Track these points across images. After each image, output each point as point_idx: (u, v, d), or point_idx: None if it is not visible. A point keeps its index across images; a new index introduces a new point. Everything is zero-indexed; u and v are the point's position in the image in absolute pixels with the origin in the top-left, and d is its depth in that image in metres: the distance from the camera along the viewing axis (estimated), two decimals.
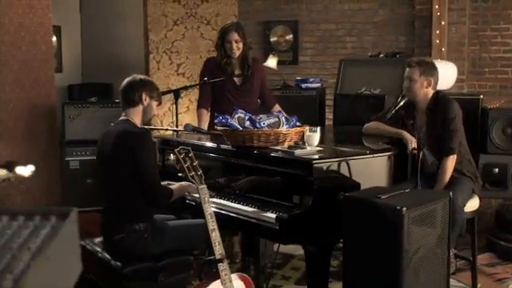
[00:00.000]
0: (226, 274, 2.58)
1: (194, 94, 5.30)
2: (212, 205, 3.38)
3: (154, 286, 3.18)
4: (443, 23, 6.20)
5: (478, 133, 5.03)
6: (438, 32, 6.22)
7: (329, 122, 5.90)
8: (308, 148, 3.32)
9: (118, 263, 3.18)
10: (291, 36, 7.05)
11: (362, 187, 3.22)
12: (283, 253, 4.54)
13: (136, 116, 3.34)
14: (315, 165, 3.05)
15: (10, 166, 2.83)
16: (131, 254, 3.19)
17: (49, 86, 5.13)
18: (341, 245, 3.15)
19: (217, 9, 5.77)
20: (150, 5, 5.56)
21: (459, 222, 3.85)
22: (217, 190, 3.52)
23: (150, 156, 3.18)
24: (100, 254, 3.32)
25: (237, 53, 4.34)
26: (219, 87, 4.38)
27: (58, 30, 6.53)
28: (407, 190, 3.10)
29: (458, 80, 6.20)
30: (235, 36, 4.31)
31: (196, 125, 4.09)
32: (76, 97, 6.33)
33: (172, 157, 2.61)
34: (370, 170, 3.31)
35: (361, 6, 6.77)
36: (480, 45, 6.26)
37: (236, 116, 3.58)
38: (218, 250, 2.59)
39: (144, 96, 3.33)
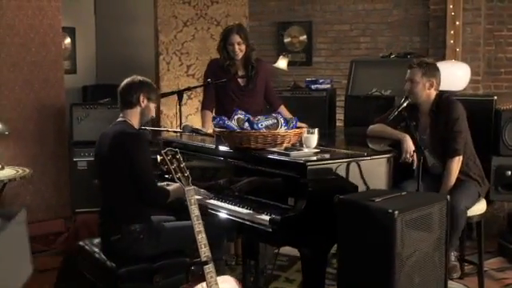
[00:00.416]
0: (211, 277, 2.56)
1: None
2: (209, 206, 3.41)
3: (149, 287, 3.17)
4: (458, 23, 6.09)
5: (491, 135, 4.93)
6: (452, 32, 6.12)
7: (340, 124, 5.85)
8: (305, 150, 3.28)
9: (113, 264, 3.18)
10: (305, 37, 7.01)
11: (360, 190, 3.18)
12: (289, 255, 4.51)
13: (133, 117, 3.34)
14: (309, 167, 3.01)
15: None
16: (127, 254, 3.19)
17: (58, 87, 5.19)
18: None
19: (227, 10, 5.76)
20: (159, 6, 5.57)
21: (461, 226, 3.79)
22: (215, 192, 3.52)
23: (146, 157, 3.18)
24: (97, 255, 3.32)
25: (239, 55, 4.32)
26: (223, 88, 4.37)
27: (72, 32, 6.61)
28: (403, 193, 3.05)
29: (474, 81, 6.11)
30: (237, 38, 4.29)
31: (199, 126, 4.09)
32: (90, 98, 6.39)
33: (159, 158, 2.59)
34: (369, 172, 3.25)
35: (375, 7, 6.70)
36: (496, 45, 6.14)
37: (235, 117, 3.56)
38: (204, 252, 2.58)
39: (142, 98, 3.33)
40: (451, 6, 6.09)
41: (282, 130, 3.42)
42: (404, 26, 6.59)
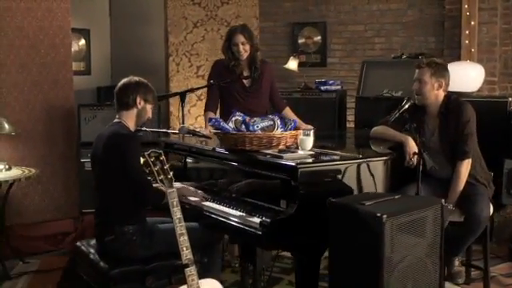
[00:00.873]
0: (192, 280, 2.54)
1: None
2: (204, 208, 3.39)
3: None
4: (473, 23, 5.99)
5: (504, 137, 4.83)
6: (467, 32, 6.02)
7: (351, 125, 5.79)
8: (300, 152, 3.24)
9: (106, 265, 3.18)
10: (319, 38, 6.97)
11: (356, 193, 3.13)
12: (292, 257, 4.46)
13: (129, 119, 3.33)
14: (301, 169, 2.96)
15: None
16: (120, 256, 3.19)
17: (67, 88, 5.23)
18: None
19: (237, 11, 5.75)
20: (170, 7, 5.58)
21: (479, 232, 3.72)
22: (213, 194, 3.50)
23: (140, 158, 3.16)
24: (92, 256, 3.33)
25: (244, 55, 4.29)
26: (228, 89, 4.34)
27: (86, 33, 6.67)
28: (397, 197, 2.99)
29: (490, 82, 6.01)
30: (241, 38, 4.26)
31: (199, 127, 4.08)
32: (103, 99, 6.42)
33: (142, 160, 2.57)
34: (365, 175, 3.19)
35: (389, 7, 6.64)
36: None
37: (233, 119, 3.54)
38: (186, 255, 2.56)
39: (138, 99, 3.32)
40: (466, 6, 5.99)
41: (278, 131, 3.39)
42: (419, 26, 6.51)
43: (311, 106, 5.52)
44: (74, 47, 6.64)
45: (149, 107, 3.39)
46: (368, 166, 3.21)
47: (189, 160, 3.89)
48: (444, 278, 3.85)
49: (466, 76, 5.55)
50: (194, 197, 3.49)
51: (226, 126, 3.42)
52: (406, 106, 3.75)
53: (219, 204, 3.36)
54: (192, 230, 3.38)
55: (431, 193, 3.86)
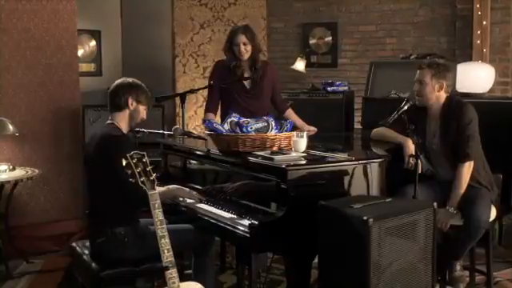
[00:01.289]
0: (173, 282, 2.52)
1: None
2: (198, 210, 3.38)
3: None
4: (485, 23, 5.89)
5: None
6: (479, 32, 5.92)
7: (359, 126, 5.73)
8: (293, 154, 3.20)
9: (98, 266, 3.18)
10: (330, 38, 6.91)
11: (348, 196, 3.08)
12: None
13: (122, 120, 3.33)
14: (290, 172, 2.93)
15: None
16: (111, 257, 3.18)
17: (73, 89, 5.26)
18: None
19: (244, 11, 5.72)
20: (176, 8, 5.58)
21: (479, 236, 3.64)
22: (208, 195, 3.48)
23: None
24: (85, 257, 3.33)
25: (245, 55, 4.26)
26: (228, 90, 4.32)
27: (97, 35, 6.69)
28: (388, 200, 2.94)
29: (502, 83, 5.91)
30: (243, 38, 4.23)
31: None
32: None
33: (124, 162, 2.56)
34: (358, 177, 3.14)
35: (401, 7, 6.56)
36: None
37: (229, 120, 3.52)
38: (167, 257, 2.54)
39: (130, 101, 3.32)
40: (478, 5, 5.89)
41: (272, 133, 3.36)
42: (430, 26, 6.42)
43: (318, 108, 5.48)
44: (85, 48, 6.68)
45: (142, 108, 3.38)
46: (362, 168, 3.16)
47: (188, 162, 3.88)
48: (445, 283, 3.83)
49: (476, 77, 5.46)
50: (190, 198, 3.47)
51: (219, 127, 3.40)
52: (405, 108, 3.68)
53: (212, 206, 3.35)
54: (185, 231, 3.40)
55: (432, 195, 3.80)
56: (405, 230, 2.78)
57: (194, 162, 3.82)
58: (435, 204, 2.90)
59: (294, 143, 3.28)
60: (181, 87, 5.64)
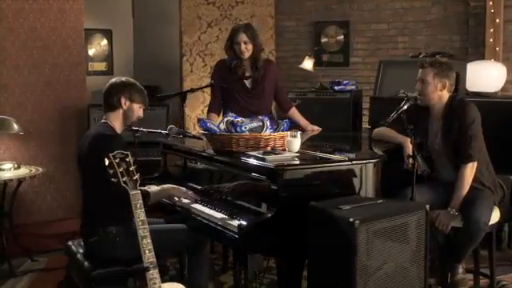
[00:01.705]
0: (154, 283, 2.49)
1: None
2: (192, 210, 3.35)
3: None
4: (498, 21, 5.78)
5: None
6: (491, 30, 5.80)
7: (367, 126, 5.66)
8: (286, 154, 3.16)
9: (90, 265, 3.17)
10: (342, 37, 6.84)
11: (342, 197, 3.03)
12: None
13: (115, 120, 3.31)
14: (280, 172, 2.89)
15: None
16: (103, 257, 3.17)
17: (80, 88, 5.28)
18: None
19: (252, 10, 5.69)
20: (184, 7, 5.56)
21: (479, 240, 3.57)
22: (202, 195, 3.46)
23: None
24: (79, 256, 3.33)
25: (246, 54, 4.23)
26: (229, 90, 4.28)
27: (108, 34, 6.73)
28: (379, 201, 2.89)
29: None
30: (244, 37, 4.19)
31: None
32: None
33: (106, 161, 2.54)
34: (352, 178, 3.09)
35: (413, 4, 6.48)
36: None
37: (225, 119, 3.49)
38: (148, 258, 2.52)
39: (123, 100, 3.30)
40: (491, 3, 5.78)
41: (266, 132, 3.32)
42: (443, 24, 6.32)
43: (325, 107, 5.42)
44: (97, 48, 6.73)
45: (136, 107, 3.36)
46: (356, 168, 3.11)
47: (187, 161, 3.86)
48: (447, 286, 3.75)
49: (488, 76, 5.36)
50: (185, 197, 3.45)
51: (212, 126, 3.37)
52: (405, 107, 3.61)
53: (205, 206, 3.32)
54: (179, 231, 3.37)
55: (434, 197, 3.74)
56: (395, 232, 2.73)
57: (192, 161, 3.79)
58: (427, 206, 2.84)
59: (288, 143, 3.24)
60: (188, 86, 5.63)
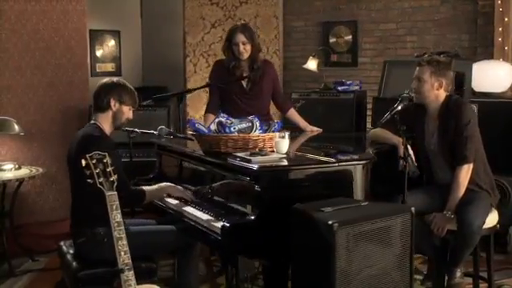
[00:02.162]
0: (129, 285, 2.48)
1: None
2: (183, 213, 3.33)
3: None
4: (507, 20, 5.67)
5: None
6: (500, 30, 5.70)
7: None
8: (273, 155, 3.13)
9: (78, 266, 3.18)
10: (350, 37, 6.78)
11: (329, 199, 2.98)
12: None
13: (104, 121, 3.31)
14: (263, 173, 2.86)
15: None
16: (91, 257, 3.17)
17: (83, 90, 5.30)
18: None
19: (256, 10, 5.65)
20: (187, 8, 5.55)
21: (475, 243, 3.50)
22: (196, 196, 3.45)
23: (113, 159, 3.12)
24: (69, 256, 3.34)
25: (244, 55, 4.20)
26: (227, 91, 4.26)
27: (117, 35, 6.76)
28: (364, 203, 2.83)
29: None
30: (242, 38, 4.17)
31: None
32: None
33: (83, 162, 2.54)
34: (340, 179, 3.04)
35: (421, 4, 6.39)
36: None
37: (216, 120, 3.47)
38: (123, 259, 2.50)
39: (113, 102, 3.29)
40: (499, 2, 5.67)
41: (255, 133, 3.29)
42: (452, 23, 6.22)
43: (329, 107, 5.37)
44: (105, 48, 6.75)
45: (126, 108, 3.35)
46: (344, 170, 3.06)
47: (181, 162, 3.85)
48: None
49: (494, 75, 5.26)
50: (182, 196, 3.44)
51: (201, 127, 3.36)
52: (399, 108, 3.55)
53: (193, 207, 3.31)
54: (167, 232, 3.36)
55: (428, 201, 3.69)
56: (378, 235, 2.67)
57: (185, 162, 3.78)
58: (413, 209, 2.78)
59: (276, 144, 3.21)
60: (191, 87, 5.60)
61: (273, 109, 4.50)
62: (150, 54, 7.03)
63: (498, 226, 4.74)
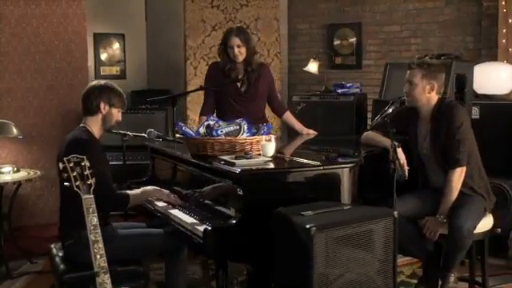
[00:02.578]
0: None
1: None
2: (170, 216, 3.33)
3: None
4: (510, 21, 5.59)
5: None
6: (504, 31, 5.62)
7: None
8: (259, 158, 3.11)
9: (65, 268, 3.19)
10: (354, 39, 6.74)
11: (314, 202, 2.95)
12: None
13: (94, 124, 3.32)
14: (245, 177, 2.84)
15: None
16: (78, 260, 3.16)
17: None
18: None
19: (257, 13, 5.64)
20: (188, 11, 5.55)
21: (466, 248, 3.45)
22: (183, 199, 3.44)
23: (96, 163, 3.11)
24: (57, 259, 3.35)
25: (240, 58, 4.19)
26: (222, 93, 4.26)
27: (121, 38, 6.79)
28: (347, 207, 2.80)
29: None
30: (237, 41, 4.16)
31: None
32: (137, 103, 6.48)
33: (60, 166, 2.54)
34: (326, 183, 3.01)
35: (426, 5, 6.34)
36: None
37: (205, 123, 3.46)
38: (99, 263, 2.50)
39: (102, 105, 3.30)
40: (503, 3, 5.60)
41: (242, 136, 3.28)
42: (456, 25, 6.16)
43: (329, 110, 5.35)
44: (109, 52, 6.78)
45: (115, 111, 3.36)
46: (329, 173, 3.03)
47: (173, 166, 3.84)
48: None
49: (497, 77, 5.19)
50: (167, 200, 3.44)
51: (188, 131, 3.35)
52: (390, 111, 3.51)
53: (180, 210, 3.30)
54: (155, 235, 3.36)
55: (420, 205, 3.65)
56: (360, 239, 2.64)
57: (176, 165, 3.78)
58: (395, 213, 2.74)
59: (262, 147, 3.19)
60: (191, 90, 5.61)
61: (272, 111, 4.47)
62: (154, 57, 7.04)
63: (499, 230, 4.73)
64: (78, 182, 2.51)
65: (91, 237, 2.52)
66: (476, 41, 6.01)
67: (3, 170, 4.62)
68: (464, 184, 3.57)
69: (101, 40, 6.66)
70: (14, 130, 4.66)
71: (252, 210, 2.83)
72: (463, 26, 6.10)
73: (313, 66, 5.64)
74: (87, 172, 2.52)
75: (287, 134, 5.14)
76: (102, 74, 6.67)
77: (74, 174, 2.50)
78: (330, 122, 5.28)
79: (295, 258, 2.60)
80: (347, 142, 4.68)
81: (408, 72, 3.70)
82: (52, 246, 3.58)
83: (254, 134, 3.34)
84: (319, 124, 5.25)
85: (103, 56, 6.74)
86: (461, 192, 3.55)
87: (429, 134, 3.68)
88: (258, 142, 3.27)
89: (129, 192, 3.36)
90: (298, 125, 4.47)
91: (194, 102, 5.26)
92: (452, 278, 3.65)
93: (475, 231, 3.49)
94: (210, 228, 2.82)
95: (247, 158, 3.08)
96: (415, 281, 4.11)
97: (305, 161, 3.11)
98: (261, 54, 5.87)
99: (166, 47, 6.85)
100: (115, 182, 3.42)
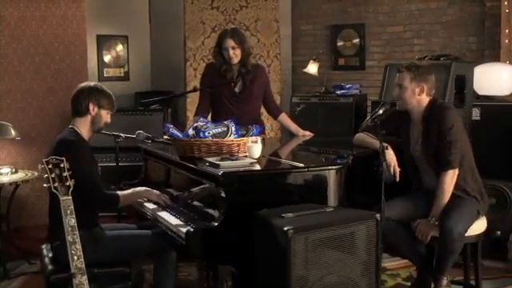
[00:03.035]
0: None
1: None
2: (158, 218, 3.33)
3: None
4: None
5: None
6: (507, 31, 5.56)
7: None
8: (245, 160, 3.10)
9: (52, 269, 3.20)
10: (358, 40, 6.71)
11: (299, 204, 2.93)
12: None
13: (82, 126, 3.33)
14: (227, 179, 2.83)
15: None
16: (66, 261, 3.16)
17: None
18: None
19: (256, 14, 5.62)
20: (188, 12, 5.56)
21: (458, 250, 3.42)
22: (173, 200, 3.44)
23: (83, 164, 3.14)
24: (46, 259, 3.36)
25: (234, 59, 4.18)
26: (217, 95, 4.25)
27: (125, 40, 6.81)
28: (329, 210, 2.78)
29: None
30: (231, 43, 4.14)
31: None
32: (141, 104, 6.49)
33: (39, 167, 2.55)
34: (310, 185, 2.99)
35: (429, 6, 6.29)
36: None
37: (194, 125, 3.46)
38: (76, 264, 2.50)
39: (92, 106, 3.31)
40: (506, 3, 5.54)
41: (230, 138, 3.27)
42: (459, 25, 6.10)
43: (328, 111, 5.34)
44: (112, 54, 6.81)
45: (104, 113, 3.37)
46: (315, 175, 3.01)
47: (162, 168, 3.85)
48: None
49: (498, 78, 5.13)
50: (158, 200, 3.44)
51: (175, 132, 3.35)
52: (380, 112, 3.48)
53: (167, 212, 3.30)
54: (143, 237, 3.36)
55: (411, 208, 3.62)
56: (341, 241, 2.62)
57: (167, 167, 3.78)
58: (378, 215, 2.72)
59: (248, 149, 3.18)
60: None
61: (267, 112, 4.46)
62: (158, 59, 7.05)
63: (499, 232, 4.68)
64: (56, 184, 2.51)
65: (69, 238, 2.52)
66: (479, 41, 5.95)
67: (1, 171, 4.65)
68: (457, 186, 3.53)
69: (104, 42, 6.68)
70: (13, 132, 4.69)
71: (235, 211, 2.82)
72: (466, 26, 6.05)
73: (313, 68, 5.61)
74: (66, 173, 2.53)
75: (288, 135, 5.12)
76: (105, 75, 6.69)
77: (53, 175, 2.51)
78: (330, 123, 5.27)
79: (275, 261, 2.59)
80: (346, 143, 4.65)
81: (397, 75, 3.68)
82: (43, 246, 3.60)
83: (242, 136, 3.33)
84: (319, 125, 5.25)
85: (106, 58, 6.77)
86: (453, 194, 3.52)
87: (421, 136, 3.65)
88: (245, 143, 3.26)
89: (119, 192, 3.36)
90: (293, 126, 4.46)
91: (194, 103, 5.22)
92: (445, 281, 3.61)
93: (468, 234, 3.46)
94: (192, 230, 2.82)
95: (233, 160, 3.07)
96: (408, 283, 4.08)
97: (290, 163, 3.09)
98: (261, 56, 5.87)
99: (170, 49, 6.86)
100: (109, 183, 3.43)
